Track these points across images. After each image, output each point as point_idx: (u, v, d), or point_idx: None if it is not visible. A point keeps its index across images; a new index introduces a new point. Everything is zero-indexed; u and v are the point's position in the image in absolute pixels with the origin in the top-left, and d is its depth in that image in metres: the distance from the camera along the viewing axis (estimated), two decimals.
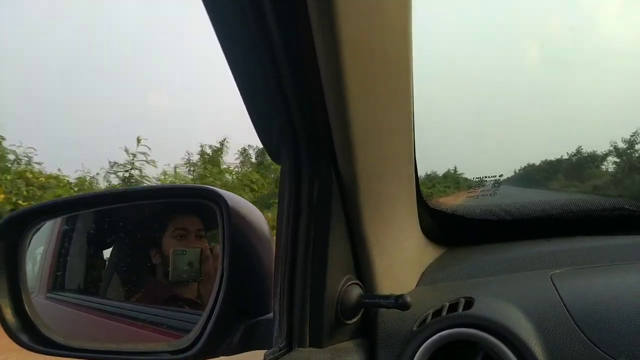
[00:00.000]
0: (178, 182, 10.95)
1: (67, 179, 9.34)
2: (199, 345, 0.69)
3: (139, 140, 9.85)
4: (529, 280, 0.67)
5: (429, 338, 0.54)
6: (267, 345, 0.61)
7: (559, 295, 0.57)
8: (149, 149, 9.93)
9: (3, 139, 8.91)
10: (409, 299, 0.56)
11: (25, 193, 7.79)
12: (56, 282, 1.23)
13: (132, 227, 1.12)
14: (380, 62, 0.50)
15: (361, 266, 0.63)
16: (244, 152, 14.81)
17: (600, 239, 0.82)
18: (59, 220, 1.19)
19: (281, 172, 0.59)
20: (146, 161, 9.90)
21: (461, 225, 0.93)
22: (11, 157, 8.97)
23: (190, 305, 0.97)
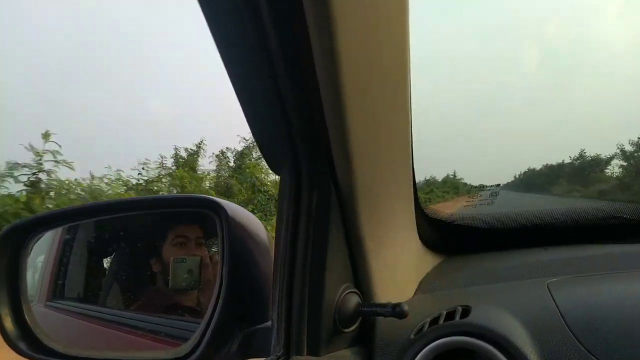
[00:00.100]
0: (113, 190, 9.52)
1: None
2: (197, 353, 0.69)
3: (46, 136, 7.54)
4: (526, 288, 0.67)
5: (426, 346, 0.54)
6: (265, 354, 0.61)
7: (555, 304, 0.57)
8: (60, 146, 7.65)
9: None
10: (406, 308, 0.56)
11: None
12: (56, 290, 1.24)
13: (133, 236, 1.13)
14: (377, 69, 0.51)
15: (359, 275, 0.63)
16: (221, 155, 13.49)
17: (597, 248, 0.82)
18: (60, 229, 1.20)
19: (280, 182, 0.60)
20: (56, 161, 7.62)
21: (459, 233, 0.93)
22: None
23: (190, 313, 0.97)
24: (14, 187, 7.30)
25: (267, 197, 11.62)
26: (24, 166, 7.44)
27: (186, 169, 11.92)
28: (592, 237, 0.85)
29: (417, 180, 0.79)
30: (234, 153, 13.59)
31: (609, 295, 0.59)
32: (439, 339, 0.54)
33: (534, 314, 0.56)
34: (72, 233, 1.22)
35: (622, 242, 0.81)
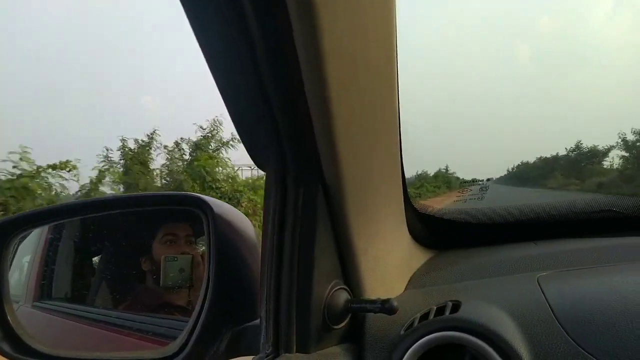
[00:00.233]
0: None
1: None
2: (185, 352, 0.68)
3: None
4: (516, 283, 0.67)
5: (416, 342, 0.54)
6: (254, 352, 0.61)
7: (545, 298, 0.57)
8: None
9: None
10: (395, 304, 0.56)
11: None
12: (43, 290, 1.22)
13: (121, 234, 1.12)
14: (363, 62, 0.50)
15: (348, 271, 0.63)
16: (175, 147, 11.35)
17: (587, 241, 0.82)
18: (45, 228, 1.17)
19: (266, 178, 0.59)
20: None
21: (449, 228, 0.93)
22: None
23: (181, 312, 0.96)
24: None
25: (220, 194, 10.26)
26: None
27: (136, 163, 10.31)
28: (582, 230, 0.86)
29: (408, 175, 0.79)
30: (188, 144, 11.66)
31: (598, 289, 0.59)
32: (429, 334, 0.54)
33: (524, 308, 0.56)
34: (58, 232, 1.20)
35: (613, 235, 0.81)
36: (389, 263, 0.72)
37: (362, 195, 0.61)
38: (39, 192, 7.74)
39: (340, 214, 0.58)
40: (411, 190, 0.83)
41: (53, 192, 8.29)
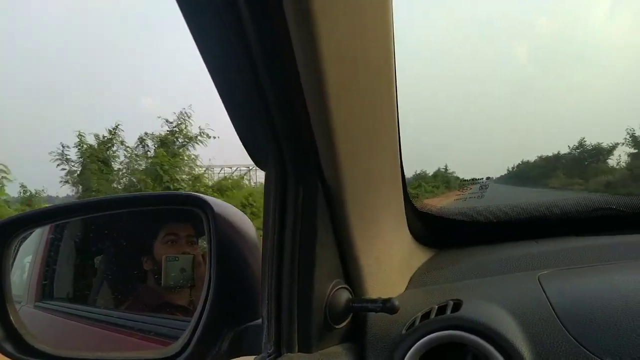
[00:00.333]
0: None
1: None
2: (187, 352, 0.68)
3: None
4: (517, 281, 0.67)
5: (417, 341, 0.54)
6: (256, 351, 0.61)
7: (546, 296, 0.57)
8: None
9: None
10: (396, 303, 0.56)
11: None
12: (45, 291, 1.22)
13: (122, 234, 1.12)
14: (361, 62, 0.50)
15: (349, 270, 0.63)
16: (141, 143, 10.09)
17: (588, 239, 0.82)
18: (46, 228, 1.17)
19: (266, 178, 0.59)
20: None
21: (450, 227, 0.93)
22: None
23: (182, 312, 0.96)
24: None
25: None
26: None
27: (94, 161, 9.16)
28: (582, 229, 0.86)
29: (407, 174, 0.79)
30: (154, 140, 10.41)
31: (599, 287, 0.59)
32: (430, 333, 0.54)
33: (525, 307, 0.56)
34: (59, 232, 1.20)
35: (614, 234, 0.81)
36: (390, 262, 0.72)
37: (362, 194, 0.61)
38: None
39: (341, 213, 0.58)
40: (409, 192, 0.83)
41: None
